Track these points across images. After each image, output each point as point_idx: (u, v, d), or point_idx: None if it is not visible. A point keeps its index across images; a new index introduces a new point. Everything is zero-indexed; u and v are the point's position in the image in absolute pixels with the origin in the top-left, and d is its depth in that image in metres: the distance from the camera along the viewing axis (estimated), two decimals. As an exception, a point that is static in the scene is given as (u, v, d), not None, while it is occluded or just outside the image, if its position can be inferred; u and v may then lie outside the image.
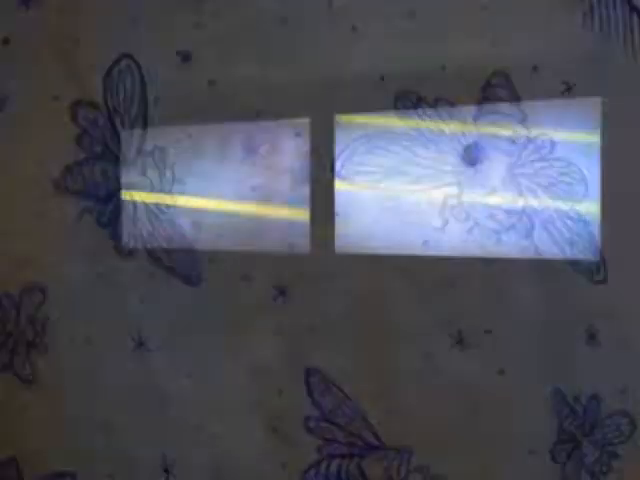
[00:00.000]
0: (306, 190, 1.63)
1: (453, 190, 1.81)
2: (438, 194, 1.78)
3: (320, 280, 0.97)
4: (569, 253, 1.80)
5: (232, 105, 1.07)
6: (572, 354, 0.71)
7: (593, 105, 1.66)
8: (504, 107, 1.74)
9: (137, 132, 1.01)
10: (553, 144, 1.77)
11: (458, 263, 1.34)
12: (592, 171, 1.73)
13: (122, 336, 0.79)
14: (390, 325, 0.90)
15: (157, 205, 0.97)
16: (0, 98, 0.85)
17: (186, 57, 0.96)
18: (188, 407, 0.78)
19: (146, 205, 0.93)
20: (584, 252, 1.80)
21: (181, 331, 0.79)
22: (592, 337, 0.69)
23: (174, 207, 1.03)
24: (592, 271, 0.95)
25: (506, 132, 1.73)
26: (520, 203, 1.69)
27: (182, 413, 0.78)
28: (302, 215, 1.66)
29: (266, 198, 1.64)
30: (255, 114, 1.14)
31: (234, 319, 0.78)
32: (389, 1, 1.27)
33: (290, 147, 1.75)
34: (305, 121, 1.55)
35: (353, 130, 1.74)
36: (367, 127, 1.74)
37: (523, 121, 1.75)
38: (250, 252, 1.43)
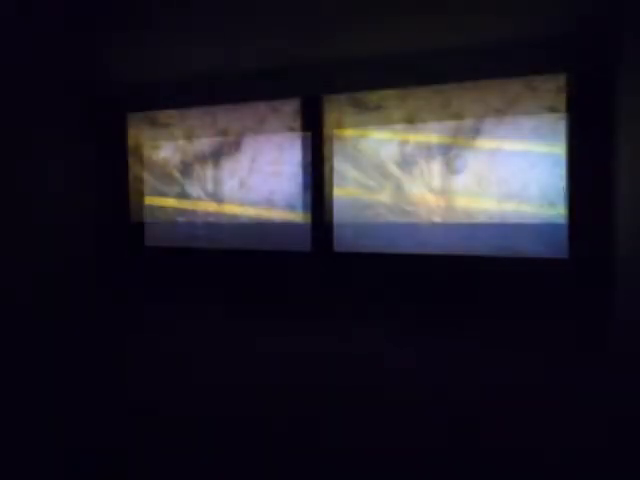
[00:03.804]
0: (308, 196, 1.85)
1: (440, 195, 2.05)
2: (427, 199, 2.01)
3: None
4: (541, 252, 2.10)
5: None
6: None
7: (560, 120, 1.93)
8: (484, 122, 1.99)
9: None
10: (525, 155, 2.04)
11: (445, 260, 1.52)
12: (558, 178, 2.01)
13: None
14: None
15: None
16: None
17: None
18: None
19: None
20: (554, 251, 2.09)
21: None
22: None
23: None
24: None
25: (484, 145, 1.98)
26: (497, 207, 1.95)
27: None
28: (305, 218, 1.86)
29: (272, 203, 1.85)
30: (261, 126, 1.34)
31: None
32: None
33: (295, 157, 1.97)
34: (307, 134, 1.76)
35: (350, 142, 1.98)
36: (362, 140, 1.99)
37: (500, 135, 2.01)
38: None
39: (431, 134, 3.12)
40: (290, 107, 3.32)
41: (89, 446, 1.70)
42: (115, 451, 1.68)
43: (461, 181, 2.96)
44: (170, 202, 3.77)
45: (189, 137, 3.71)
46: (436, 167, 3.10)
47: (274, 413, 2.02)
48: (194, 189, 3.68)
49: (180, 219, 3.74)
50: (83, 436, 1.73)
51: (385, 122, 3.10)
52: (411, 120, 3.18)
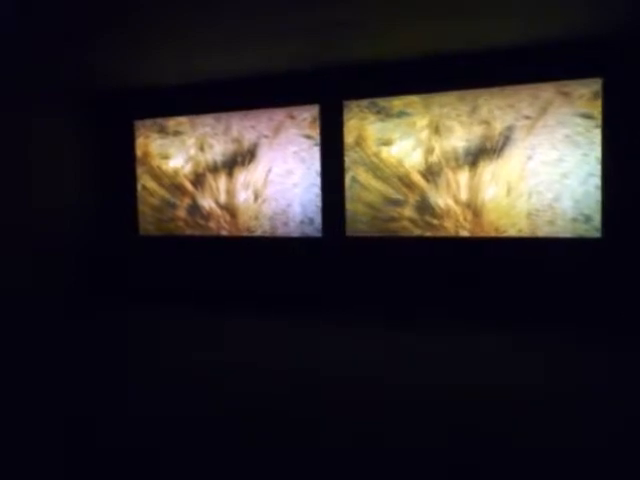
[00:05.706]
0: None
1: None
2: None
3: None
4: (577, 231, 2.21)
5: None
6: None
7: (592, 119, 1.90)
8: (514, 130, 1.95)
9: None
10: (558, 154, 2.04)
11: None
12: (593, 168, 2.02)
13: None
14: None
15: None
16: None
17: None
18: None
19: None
20: (589, 231, 2.15)
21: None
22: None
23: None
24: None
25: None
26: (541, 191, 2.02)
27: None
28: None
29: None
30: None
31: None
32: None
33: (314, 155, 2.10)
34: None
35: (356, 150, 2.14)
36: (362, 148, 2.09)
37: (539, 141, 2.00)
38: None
39: (457, 142, 2.96)
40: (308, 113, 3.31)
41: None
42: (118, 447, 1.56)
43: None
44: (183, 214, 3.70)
45: (200, 145, 3.62)
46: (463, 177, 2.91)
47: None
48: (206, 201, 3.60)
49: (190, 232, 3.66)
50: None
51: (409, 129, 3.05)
52: (436, 127, 3.02)
